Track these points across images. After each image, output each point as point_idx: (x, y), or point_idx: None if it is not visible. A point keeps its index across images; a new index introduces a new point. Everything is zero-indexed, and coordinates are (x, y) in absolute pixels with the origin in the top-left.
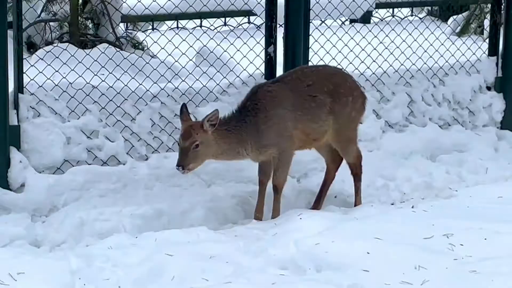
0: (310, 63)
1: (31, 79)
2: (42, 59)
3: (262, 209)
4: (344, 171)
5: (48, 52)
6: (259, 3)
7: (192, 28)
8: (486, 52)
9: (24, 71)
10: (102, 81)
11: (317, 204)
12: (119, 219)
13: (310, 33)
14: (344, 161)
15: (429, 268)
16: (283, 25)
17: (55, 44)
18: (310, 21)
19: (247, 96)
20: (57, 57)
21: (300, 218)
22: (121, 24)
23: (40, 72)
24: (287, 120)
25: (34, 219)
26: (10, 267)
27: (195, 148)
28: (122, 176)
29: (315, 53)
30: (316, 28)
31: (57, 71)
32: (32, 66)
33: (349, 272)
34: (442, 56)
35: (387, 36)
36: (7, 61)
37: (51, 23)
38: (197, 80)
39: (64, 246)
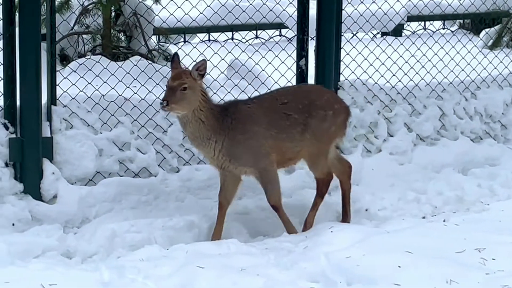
0: (341, 76)
1: (64, 91)
2: (75, 72)
3: (220, 234)
4: (373, 184)
5: (81, 64)
6: (291, 16)
7: (224, 41)
8: None
9: (57, 83)
10: (134, 93)
11: (346, 217)
12: (151, 231)
13: (341, 46)
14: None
15: (460, 282)
16: (314, 38)
17: (88, 57)
18: (342, 34)
19: (228, 103)
20: (90, 70)
21: (331, 231)
22: (153, 37)
23: (73, 84)
24: (261, 138)
25: (66, 231)
26: (43, 278)
27: (183, 90)
28: (154, 188)
29: (347, 66)
30: (348, 41)
31: (89, 83)
32: (65, 78)
33: (380, 286)
34: (474, 69)
35: (418, 49)
36: (40, 73)
37: (84, 36)
38: (229, 92)
39: (96, 257)
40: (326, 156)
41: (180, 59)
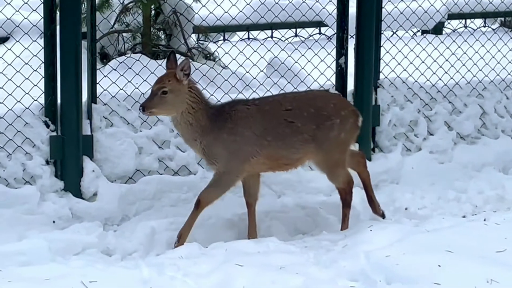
0: (381, 75)
1: (104, 90)
2: (115, 70)
3: (255, 232)
4: (413, 183)
5: (121, 62)
6: (330, 14)
7: (263, 39)
8: None
9: (97, 82)
10: None
11: (373, 206)
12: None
13: (381, 44)
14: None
15: (501, 282)
16: (354, 36)
17: (127, 55)
18: (382, 32)
19: (229, 102)
20: (130, 68)
21: (371, 230)
22: (193, 35)
23: (113, 82)
24: (249, 144)
25: (106, 228)
26: (83, 275)
27: (162, 94)
28: (193, 186)
29: (386, 64)
30: (388, 39)
31: (129, 82)
32: (105, 76)
33: (420, 285)
34: None
35: (459, 47)
36: (81, 72)
37: (124, 34)
38: (268, 90)
39: (136, 255)
40: (343, 164)
41: (218, 57)
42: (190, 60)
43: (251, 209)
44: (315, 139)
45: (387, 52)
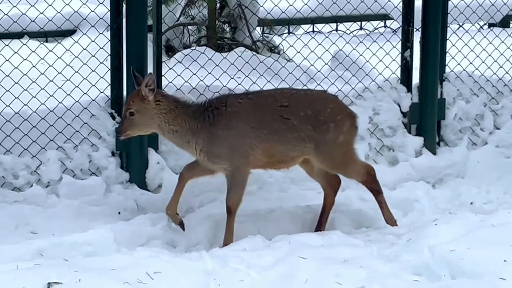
0: (446, 68)
1: (170, 82)
2: (180, 62)
3: (175, 204)
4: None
5: (186, 55)
6: (396, 7)
7: (328, 32)
8: None
9: (162, 74)
10: (239, 84)
11: (319, 228)
12: (254, 221)
13: (447, 37)
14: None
15: None
16: (420, 29)
17: (193, 48)
18: (448, 25)
19: (218, 96)
20: (195, 60)
21: (435, 224)
22: (258, 28)
23: (178, 75)
24: (245, 137)
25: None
26: (147, 266)
27: (130, 115)
28: (257, 178)
29: (452, 58)
30: (454, 32)
31: (194, 74)
32: (170, 69)
33: (485, 280)
34: None
35: None
36: (146, 64)
37: (189, 27)
38: (332, 84)
39: (200, 247)
40: (352, 161)
41: (282, 50)
42: (153, 76)
43: (181, 182)
44: (312, 140)
45: (453, 45)
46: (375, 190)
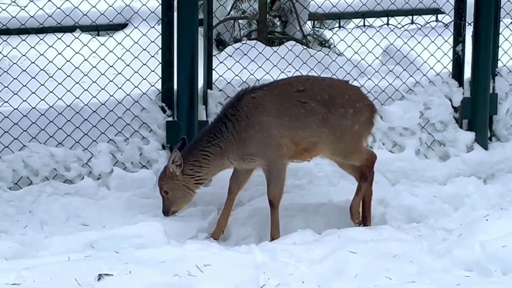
0: (499, 63)
1: (220, 76)
2: (230, 56)
3: (224, 223)
4: None
5: (237, 49)
6: (448, 1)
7: (379, 26)
8: None
9: (213, 68)
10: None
11: (365, 222)
12: (303, 215)
13: (499, 32)
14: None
15: None
16: (472, 24)
17: (243, 41)
18: (500, 19)
19: (230, 102)
20: (245, 54)
21: (487, 220)
22: (308, 22)
23: (228, 68)
24: (272, 128)
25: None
26: (197, 259)
27: (166, 195)
28: (307, 172)
29: (505, 52)
30: (507, 26)
31: (245, 68)
32: (221, 62)
33: None
34: None
35: None
36: (197, 58)
37: (240, 21)
38: (383, 78)
39: (249, 240)
40: (357, 150)
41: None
42: (179, 153)
43: (231, 195)
44: (327, 124)
45: (506, 39)
46: (365, 175)
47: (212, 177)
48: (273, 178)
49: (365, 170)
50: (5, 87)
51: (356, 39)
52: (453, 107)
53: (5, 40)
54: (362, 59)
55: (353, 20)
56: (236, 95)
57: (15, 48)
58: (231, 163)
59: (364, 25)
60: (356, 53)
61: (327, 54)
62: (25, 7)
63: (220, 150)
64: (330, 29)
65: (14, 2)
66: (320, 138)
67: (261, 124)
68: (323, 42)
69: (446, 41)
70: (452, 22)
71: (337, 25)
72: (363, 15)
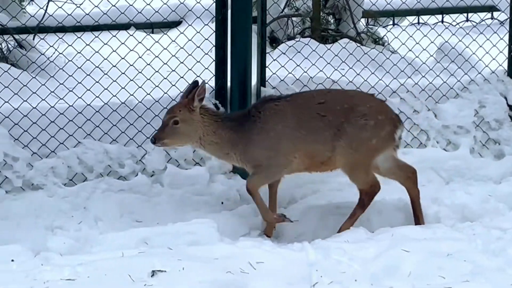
0: None
1: (273, 73)
2: (284, 54)
3: (269, 213)
4: None
5: (290, 47)
6: None
7: (434, 24)
8: None
9: (266, 65)
10: (342, 75)
11: (418, 222)
12: None
13: None
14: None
15: None
16: None
17: (297, 39)
18: None
19: (255, 103)
20: (299, 52)
21: None
22: (362, 19)
23: (282, 66)
24: (285, 138)
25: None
26: (250, 256)
27: (174, 124)
28: None
29: None
30: None
31: (298, 66)
32: (274, 60)
33: None
34: None
35: None
36: (251, 55)
37: (294, 18)
38: (438, 76)
39: (302, 238)
40: (366, 168)
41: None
42: (205, 85)
43: (272, 189)
44: (342, 135)
45: None
46: (363, 202)
47: (215, 155)
48: (261, 172)
49: (364, 196)
50: (60, 84)
51: (411, 36)
52: (508, 105)
53: (61, 38)
54: (416, 57)
55: (408, 17)
56: (261, 99)
57: (70, 45)
58: (236, 161)
59: (418, 23)
60: (410, 50)
61: (381, 52)
62: (80, 4)
63: (234, 140)
64: (384, 27)
65: (70, 0)
66: (334, 152)
67: (275, 131)
68: (377, 40)
69: (501, 39)
70: (508, 20)
71: (391, 22)
72: (418, 12)
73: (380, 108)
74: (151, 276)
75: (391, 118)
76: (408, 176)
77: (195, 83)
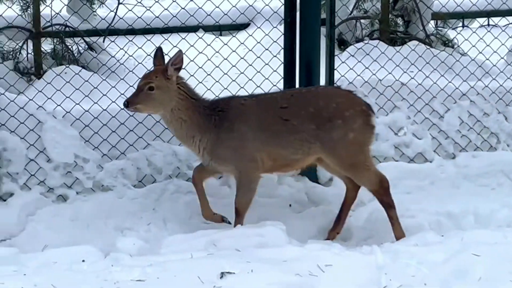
0: None
1: (342, 75)
2: (352, 56)
3: (207, 207)
4: None
5: (359, 49)
6: None
7: (505, 26)
8: None
9: (335, 67)
10: (411, 78)
11: (336, 226)
12: (425, 216)
13: None
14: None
15: None
16: None
17: (365, 41)
18: None
19: (224, 97)
20: (368, 54)
21: None
22: (431, 21)
23: (350, 68)
24: (248, 140)
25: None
26: (318, 258)
27: (149, 90)
28: (429, 173)
29: None
30: None
31: (367, 68)
32: (343, 62)
33: None
34: None
35: None
36: (319, 58)
37: (362, 20)
38: (508, 78)
39: (370, 241)
40: (365, 165)
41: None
42: (182, 54)
43: (197, 186)
44: (318, 140)
45: None
46: (386, 202)
47: (179, 135)
48: (242, 187)
49: (381, 197)
50: (130, 86)
51: (481, 38)
52: None
53: (131, 40)
54: (487, 59)
55: (478, 19)
56: (229, 96)
57: (140, 48)
58: (199, 151)
59: (488, 24)
60: (480, 53)
61: (451, 54)
62: (150, 7)
63: (202, 126)
64: (453, 29)
65: (140, 2)
66: (306, 155)
67: (240, 132)
68: (447, 42)
69: None
70: None
71: (460, 24)
72: (488, 14)
73: (346, 104)
74: (220, 277)
75: (360, 110)
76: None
77: (160, 49)
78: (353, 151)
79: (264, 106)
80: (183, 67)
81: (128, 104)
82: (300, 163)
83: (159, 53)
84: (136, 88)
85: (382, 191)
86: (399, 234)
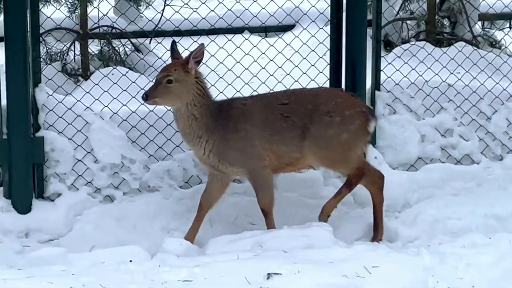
0: None
1: (388, 77)
2: (399, 57)
3: (193, 235)
4: None
5: (405, 50)
6: None
7: None
8: None
9: (381, 69)
10: (458, 79)
11: (376, 233)
12: (472, 218)
13: None
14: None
15: None
16: None
17: (411, 42)
18: None
19: (226, 99)
20: (414, 55)
21: None
22: (479, 22)
23: (396, 70)
24: (254, 139)
25: (387, 215)
26: (365, 260)
27: (167, 83)
28: (476, 175)
29: None
30: None
31: (413, 69)
32: (389, 64)
33: None
34: None
35: None
36: (365, 59)
37: (408, 21)
38: None
39: (417, 242)
40: (344, 160)
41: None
42: (204, 47)
43: (201, 212)
44: (308, 135)
45: None
46: (351, 183)
47: (187, 134)
48: (259, 187)
49: (352, 178)
50: None
51: None
52: None
53: (177, 42)
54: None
55: None
56: (230, 98)
57: (186, 49)
58: (205, 152)
59: None
60: None
61: (498, 55)
62: (196, 9)
63: (209, 126)
64: (501, 30)
65: (186, 4)
66: (302, 153)
67: (245, 131)
68: (494, 43)
69: None
70: None
71: (508, 25)
72: None
73: (347, 103)
74: (267, 278)
75: (361, 111)
76: (375, 181)
77: (174, 43)
78: (342, 150)
79: (266, 104)
80: (230, 68)
81: (146, 97)
82: (301, 162)
83: (175, 47)
84: (154, 81)
85: (358, 173)
86: (327, 207)
